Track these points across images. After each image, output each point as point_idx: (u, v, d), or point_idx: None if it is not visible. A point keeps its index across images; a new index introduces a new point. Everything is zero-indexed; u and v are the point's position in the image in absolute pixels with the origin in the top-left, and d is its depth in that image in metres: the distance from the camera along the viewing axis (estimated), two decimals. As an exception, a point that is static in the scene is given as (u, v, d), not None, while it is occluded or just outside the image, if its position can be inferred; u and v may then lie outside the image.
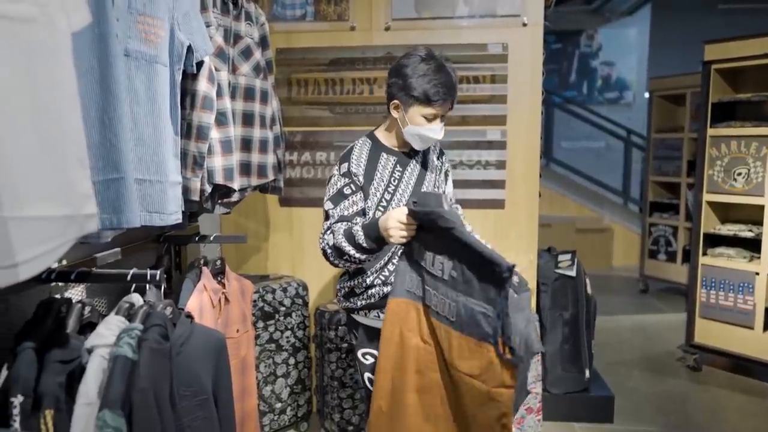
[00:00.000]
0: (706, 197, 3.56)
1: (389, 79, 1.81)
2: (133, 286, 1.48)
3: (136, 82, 1.39)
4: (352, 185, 1.81)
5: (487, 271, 1.35)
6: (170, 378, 1.35)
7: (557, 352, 2.89)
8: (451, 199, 2.04)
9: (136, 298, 1.46)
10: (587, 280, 3.01)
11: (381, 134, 1.91)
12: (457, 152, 2.80)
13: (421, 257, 1.55)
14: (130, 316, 1.40)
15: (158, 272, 1.43)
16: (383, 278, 1.86)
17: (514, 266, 1.31)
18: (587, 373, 2.95)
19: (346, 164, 1.83)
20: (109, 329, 1.32)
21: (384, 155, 1.87)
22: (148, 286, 1.55)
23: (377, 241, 1.64)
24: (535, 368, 2.63)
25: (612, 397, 2.95)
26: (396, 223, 1.56)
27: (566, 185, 7.48)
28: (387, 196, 1.85)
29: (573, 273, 2.89)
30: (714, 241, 3.62)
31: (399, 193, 1.86)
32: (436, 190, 1.94)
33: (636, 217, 6.90)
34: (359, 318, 1.91)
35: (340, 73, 2.85)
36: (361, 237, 1.66)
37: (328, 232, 1.77)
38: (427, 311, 1.56)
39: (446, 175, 2.03)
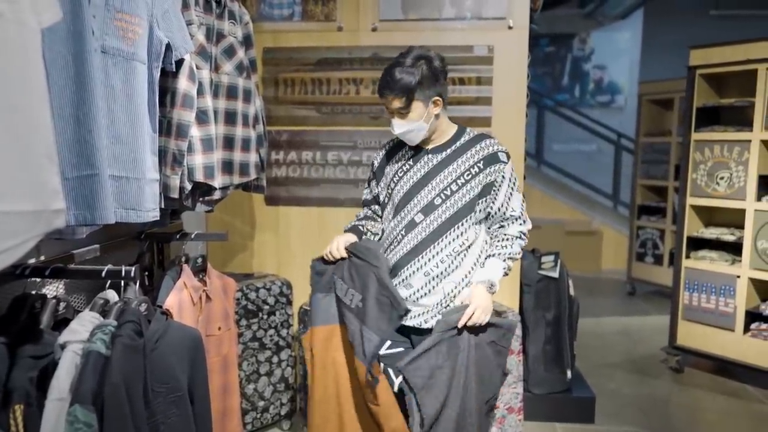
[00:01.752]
0: (690, 201, 3.59)
1: None
2: (108, 282, 1.48)
3: (114, 79, 1.40)
4: (370, 173, 2.04)
5: (386, 308, 1.75)
6: (144, 374, 1.36)
7: (539, 352, 2.91)
8: (505, 211, 1.86)
9: (111, 295, 1.47)
10: (570, 282, 3.03)
11: None
12: (442, 153, 2.82)
13: (337, 288, 1.88)
14: (104, 313, 1.40)
15: (133, 269, 1.44)
16: None
17: (408, 311, 1.76)
18: (569, 374, 2.97)
19: (375, 153, 2.08)
20: (83, 325, 1.33)
21: (405, 148, 1.93)
22: (124, 282, 1.56)
23: None
24: (516, 368, 2.65)
25: (593, 398, 2.98)
26: (335, 245, 1.88)
27: (557, 188, 7.51)
28: (392, 185, 1.91)
29: (556, 274, 2.91)
30: (697, 244, 3.65)
31: (400, 185, 1.88)
32: (450, 189, 1.83)
33: (625, 221, 6.94)
34: None
35: (327, 73, 2.87)
36: None
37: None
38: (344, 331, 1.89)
39: (491, 186, 1.83)
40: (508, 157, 1.88)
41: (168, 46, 1.54)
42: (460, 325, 1.74)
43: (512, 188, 1.87)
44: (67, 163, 1.24)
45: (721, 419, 3.07)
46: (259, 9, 2.86)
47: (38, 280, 1.57)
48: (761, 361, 3.26)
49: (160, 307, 1.77)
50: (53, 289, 1.67)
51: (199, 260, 2.10)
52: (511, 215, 1.87)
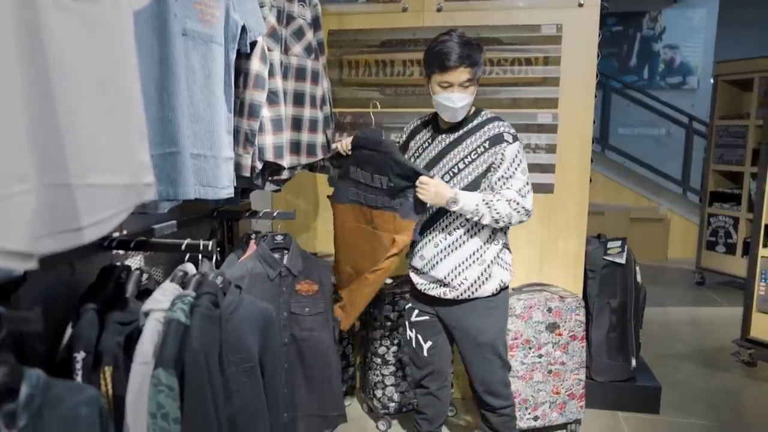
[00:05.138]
0: (770, 187, 3.40)
1: None
2: (187, 255, 1.55)
3: (193, 60, 1.45)
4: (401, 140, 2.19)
5: (406, 176, 1.90)
6: (219, 343, 1.43)
7: (603, 339, 2.84)
8: (501, 186, 1.90)
9: (189, 268, 1.54)
10: (637, 269, 2.94)
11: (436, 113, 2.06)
12: (507, 135, 2.78)
13: (359, 176, 2.06)
14: (183, 284, 1.48)
15: (210, 243, 1.51)
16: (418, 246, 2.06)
17: (420, 174, 1.86)
18: (633, 363, 2.89)
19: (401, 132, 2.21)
20: (164, 295, 1.40)
21: (425, 129, 2.08)
22: (201, 257, 1.63)
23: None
24: (578, 355, 2.61)
25: (659, 388, 2.89)
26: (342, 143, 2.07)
27: (622, 173, 7.26)
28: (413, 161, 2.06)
29: (622, 260, 2.83)
30: (777, 233, 3.46)
31: (418, 161, 2.04)
32: (458, 167, 1.93)
33: (695, 207, 6.64)
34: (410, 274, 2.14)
35: (391, 55, 2.86)
36: None
37: None
38: (361, 207, 2.09)
39: (492, 165, 1.90)
40: (515, 139, 1.93)
41: (243, 29, 1.59)
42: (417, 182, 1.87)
43: (514, 169, 1.90)
44: (151, 141, 1.30)
45: (797, 416, 2.92)
46: (324, -9, 2.89)
47: (120, 252, 1.67)
48: (844, 358, 3.08)
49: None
50: (134, 261, 1.77)
51: (279, 237, 2.15)
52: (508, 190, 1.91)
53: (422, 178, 1.85)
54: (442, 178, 1.94)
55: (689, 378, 3.35)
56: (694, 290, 5.35)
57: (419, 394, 2.24)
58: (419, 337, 2.13)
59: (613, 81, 7.94)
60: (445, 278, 1.98)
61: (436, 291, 2.02)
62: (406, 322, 2.18)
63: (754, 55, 4.87)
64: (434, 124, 2.06)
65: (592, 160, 2.80)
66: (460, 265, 1.96)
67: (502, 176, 1.90)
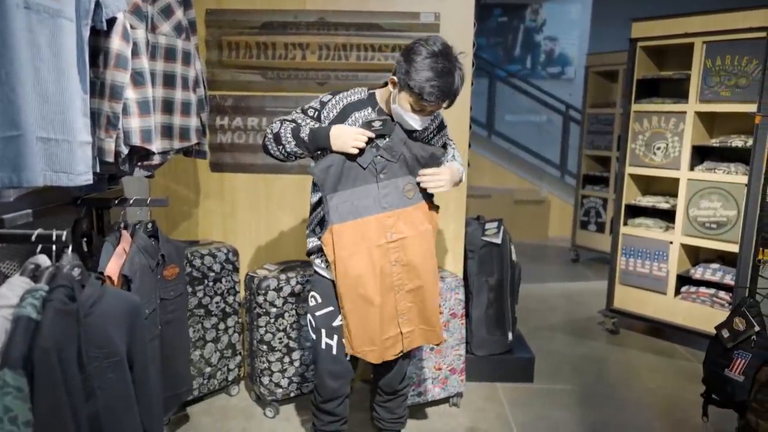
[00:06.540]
0: (629, 170, 3.73)
1: (401, 55, 1.83)
2: (39, 247, 1.45)
3: (39, 36, 1.33)
4: (317, 112, 1.95)
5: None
6: (78, 338, 1.34)
7: (482, 316, 3.00)
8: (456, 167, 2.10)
9: (42, 260, 1.43)
10: (512, 247, 3.12)
11: (379, 92, 1.99)
12: (389, 121, 2.83)
13: (378, 170, 1.92)
14: (35, 278, 1.38)
15: (65, 233, 1.41)
16: None
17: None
18: (510, 336, 3.08)
19: (329, 97, 1.97)
20: (12, 290, 1.30)
21: (369, 109, 1.95)
22: (58, 248, 1.52)
23: (317, 141, 1.87)
24: (459, 331, 2.74)
25: (532, 359, 3.11)
26: (355, 134, 1.83)
27: (507, 157, 7.65)
28: None
29: (499, 240, 2.99)
30: (635, 212, 3.81)
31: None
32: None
33: (572, 190, 7.13)
34: (314, 262, 2.05)
35: (273, 37, 2.81)
36: (305, 133, 1.88)
37: (277, 122, 1.96)
38: (383, 216, 1.92)
39: (445, 146, 2.12)
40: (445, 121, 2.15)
41: (98, 4, 1.48)
42: (421, 179, 1.97)
43: (455, 147, 2.20)
44: (-12, 123, 1.20)
45: (651, 376, 3.26)
46: (201, -32, 2.77)
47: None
48: (690, 322, 3.47)
49: (101, 273, 1.74)
50: (-18, 255, 1.62)
51: (149, 225, 2.07)
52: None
53: (435, 171, 1.97)
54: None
55: (560, 347, 3.62)
56: (569, 266, 5.77)
57: (334, 406, 2.07)
58: (344, 341, 2.00)
59: (499, 70, 8.30)
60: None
61: None
62: (323, 330, 2.01)
63: (621, 49, 5.26)
64: (373, 103, 1.97)
65: (470, 145, 2.93)
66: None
67: (451, 146, 2.15)
